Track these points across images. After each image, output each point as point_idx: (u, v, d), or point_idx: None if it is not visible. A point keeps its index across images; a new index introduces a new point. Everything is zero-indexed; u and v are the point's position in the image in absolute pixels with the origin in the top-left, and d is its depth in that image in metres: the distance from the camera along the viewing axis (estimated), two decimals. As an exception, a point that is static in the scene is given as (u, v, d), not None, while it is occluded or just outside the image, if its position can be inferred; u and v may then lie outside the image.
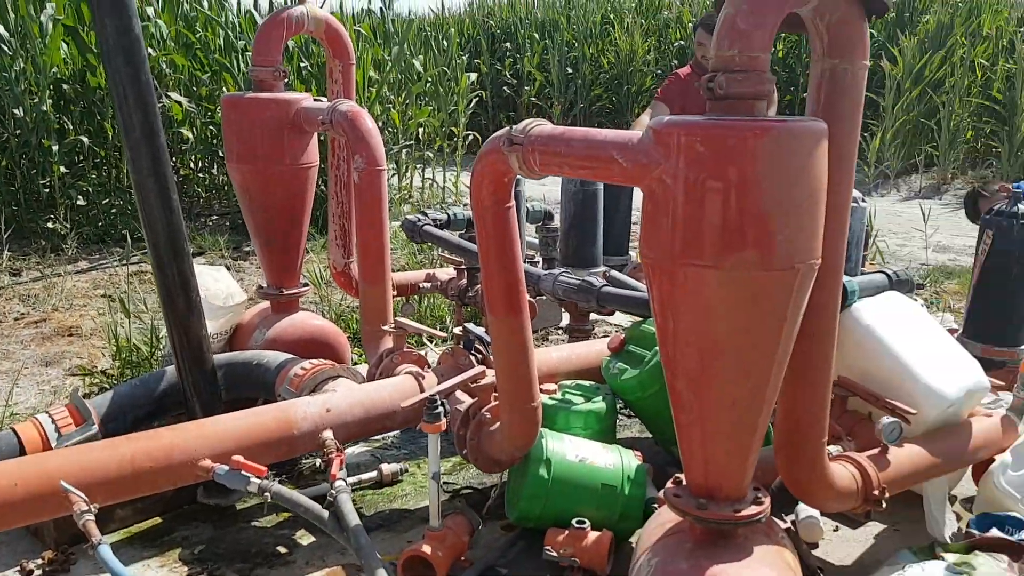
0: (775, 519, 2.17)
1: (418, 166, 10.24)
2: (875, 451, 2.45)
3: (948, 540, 2.69)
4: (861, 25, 1.88)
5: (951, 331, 3.41)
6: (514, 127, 2.13)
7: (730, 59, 1.69)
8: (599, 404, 3.05)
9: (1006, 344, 3.12)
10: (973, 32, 12.39)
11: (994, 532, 2.48)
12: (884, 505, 2.35)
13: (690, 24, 14.32)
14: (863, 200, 3.10)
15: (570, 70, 14.80)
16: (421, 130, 10.20)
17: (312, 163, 3.62)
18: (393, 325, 3.26)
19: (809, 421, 2.17)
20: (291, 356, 3.24)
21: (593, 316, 3.96)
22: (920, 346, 2.65)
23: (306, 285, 3.93)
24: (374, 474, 3.23)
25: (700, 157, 1.70)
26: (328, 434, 2.67)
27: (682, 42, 14.43)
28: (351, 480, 3.04)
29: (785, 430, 2.22)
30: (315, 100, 3.55)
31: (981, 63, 11.85)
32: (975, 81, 11.70)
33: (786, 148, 1.70)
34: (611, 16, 15.63)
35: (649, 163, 1.78)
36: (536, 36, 15.54)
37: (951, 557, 2.47)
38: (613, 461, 2.76)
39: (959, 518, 2.94)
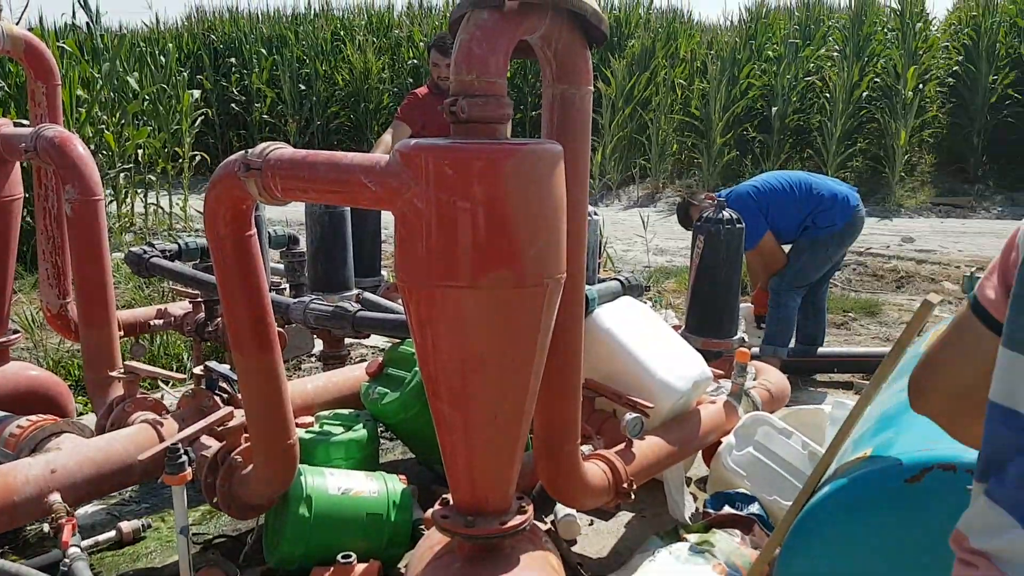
0: (537, 523, 2.24)
1: (139, 191, 9.46)
2: (621, 446, 2.62)
3: (689, 521, 2.95)
4: (584, 53, 2.01)
5: (675, 327, 3.76)
6: (250, 151, 2.02)
7: (469, 84, 1.73)
8: (360, 432, 2.98)
9: (722, 336, 3.48)
10: (672, 55, 13.84)
11: (727, 509, 2.76)
12: (633, 496, 2.52)
13: (422, 43, 14.60)
14: (596, 213, 3.32)
15: (303, 87, 14.47)
16: (140, 152, 9.44)
17: (15, 195, 3.21)
18: (122, 370, 2.97)
19: (564, 426, 2.28)
20: (5, 414, 2.84)
21: (348, 340, 3.88)
22: (652, 345, 2.89)
23: (16, 332, 3.47)
24: (112, 534, 2.92)
25: (450, 180, 1.72)
26: (55, 497, 2.37)
27: (415, 61, 14.66)
28: (86, 543, 2.72)
29: (543, 437, 2.30)
30: (16, 125, 3.15)
31: (680, 83, 13.26)
32: (676, 99, 13.06)
33: (530, 169, 1.76)
34: (341, 33, 15.51)
35: (399, 186, 1.77)
36: (264, 51, 15.02)
37: (693, 537, 2.71)
38: (377, 488, 2.71)
39: (696, 499, 3.24)
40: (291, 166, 1.97)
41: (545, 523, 3.00)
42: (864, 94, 11.99)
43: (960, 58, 12.37)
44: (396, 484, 2.77)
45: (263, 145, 2.02)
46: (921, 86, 11.94)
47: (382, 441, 3.56)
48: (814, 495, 1.70)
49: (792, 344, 5.00)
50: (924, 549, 1.53)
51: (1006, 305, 1.12)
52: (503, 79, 1.78)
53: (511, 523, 2.01)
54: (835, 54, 12.82)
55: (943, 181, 11.96)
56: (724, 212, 3.50)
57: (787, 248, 5.01)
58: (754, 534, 2.59)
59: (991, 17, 12.18)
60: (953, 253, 8.58)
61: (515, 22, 1.76)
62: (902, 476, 1.55)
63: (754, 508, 2.78)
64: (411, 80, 14.29)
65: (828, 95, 11.99)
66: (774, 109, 12.22)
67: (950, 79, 12.45)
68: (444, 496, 2.13)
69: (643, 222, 8.38)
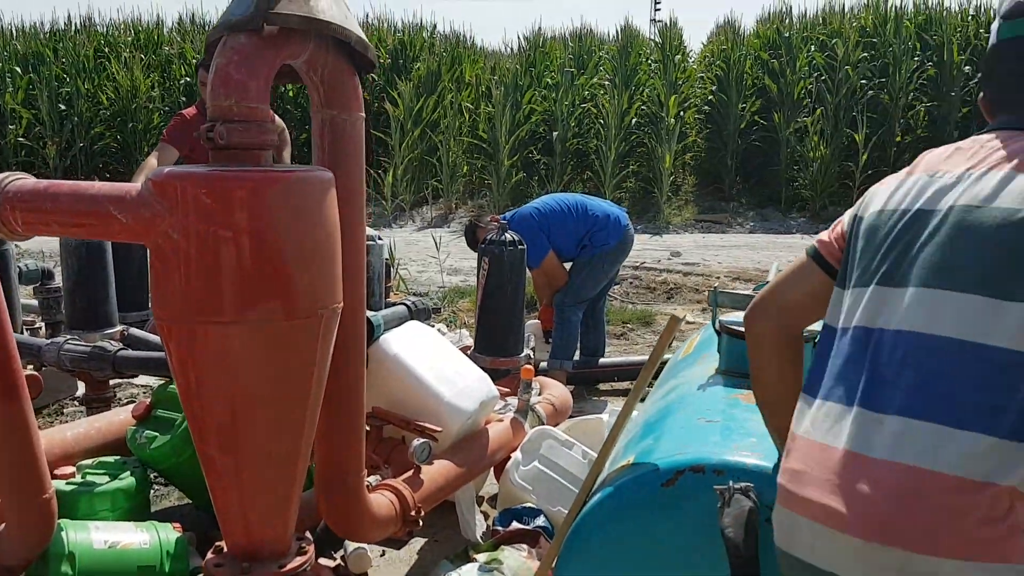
0: (321, 562, 2.18)
1: None
2: (409, 473, 2.61)
3: (480, 540, 2.99)
4: (353, 79, 1.99)
5: (466, 348, 3.82)
6: (-15, 182, 1.82)
7: (228, 109, 1.66)
8: (127, 480, 2.75)
9: (508, 355, 3.58)
10: (457, 79, 14.13)
11: (514, 525, 2.82)
12: (421, 524, 2.51)
13: (194, 60, 13.89)
14: (379, 238, 3.31)
15: (64, 107, 13.28)
16: None
17: None
18: None
19: (347, 458, 2.23)
20: None
21: (116, 380, 3.58)
22: (440, 368, 2.91)
23: None
24: None
25: (208, 210, 1.64)
26: None
27: (188, 79, 13.92)
28: None
29: (325, 472, 2.24)
30: None
31: (467, 106, 13.56)
32: (464, 122, 13.34)
33: (297, 197, 1.72)
34: (106, 49, 14.42)
35: (152, 217, 1.66)
36: (18, 70, 13.64)
37: (482, 557, 2.74)
38: (148, 539, 2.51)
39: (487, 517, 3.29)
40: (32, 198, 1.79)
41: (334, 558, 2.92)
42: (633, 120, 12.87)
43: (714, 88, 13.61)
44: (169, 533, 2.58)
45: (2, 176, 1.83)
46: (682, 113, 13.00)
47: (155, 487, 3.32)
48: (585, 504, 1.78)
49: (576, 356, 5.24)
50: (685, 546, 1.65)
51: (835, 249, 1.51)
52: (265, 104, 1.72)
53: (290, 566, 1.94)
54: (606, 83, 13.66)
55: (704, 200, 13.07)
56: (507, 234, 3.61)
57: (568, 266, 5.25)
58: (540, 547, 2.67)
59: (739, 50, 13.52)
60: (714, 265, 9.38)
61: (275, 47, 1.71)
62: (659, 481, 1.66)
63: (540, 521, 2.86)
64: (184, 99, 13.56)
65: (602, 121, 12.74)
66: (555, 133, 12.81)
67: (706, 107, 13.66)
68: (218, 543, 2.01)
69: (436, 243, 8.46)
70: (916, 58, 12.74)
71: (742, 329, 2.13)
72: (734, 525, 1.49)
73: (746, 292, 2.25)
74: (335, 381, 2.07)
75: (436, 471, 2.69)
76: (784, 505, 1.39)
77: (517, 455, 3.07)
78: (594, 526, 1.74)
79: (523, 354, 3.64)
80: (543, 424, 3.31)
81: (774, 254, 10.21)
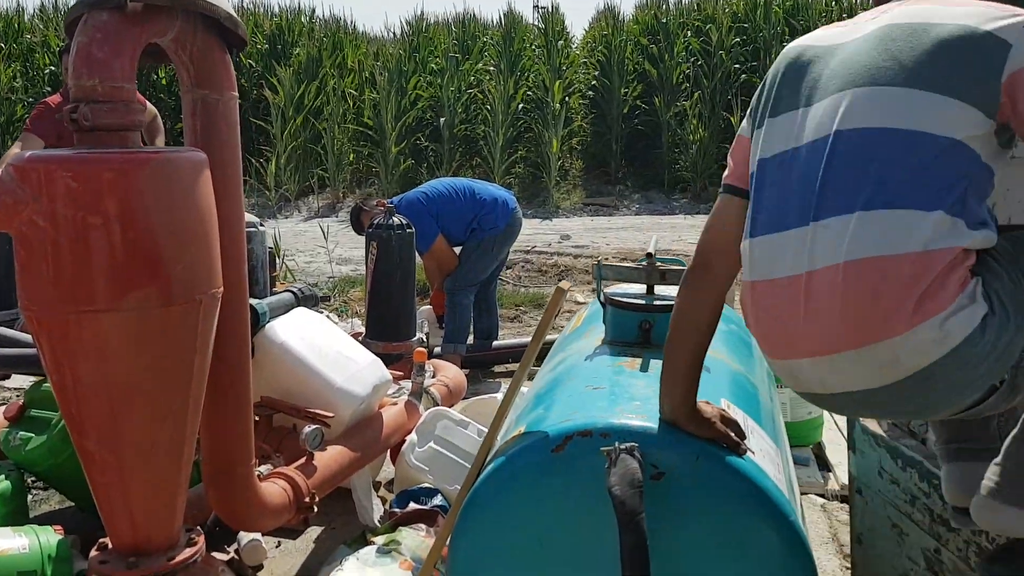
0: (214, 554, 2.13)
1: None
2: (301, 460, 2.58)
3: (378, 524, 2.98)
4: (224, 57, 1.94)
5: (357, 334, 3.78)
6: None
7: (92, 89, 1.60)
8: (2, 485, 2.62)
9: (401, 339, 3.57)
10: (339, 64, 13.86)
11: (412, 506, 2.83)
12: (315, 510, 2.49)
13: (58, 47, 13.09)
14: (261, 224, 3.23)
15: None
16: None
17: None
18: None
19: (235, 448, 2.18)
20: None
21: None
22: (329, 354, 2.88)
23: None
24: None
25: (75, 194, 1.57)
26: None
27: (52, 67, 13.13)
28: None
29: (212, 462, 2.19)
30: None
31: (351, 93, 13.33)
32: (348, 109, 13.11)
33: (168, 179, 1.67)
34: (-39, 38, 13.45)
35: (15, 204, 1.58)
36: None
37: (380, 539, 2.74)
38: (27, 543, 2.39)
39: (385, 501, 3.29)
40: None
41: (228, 552, 2.86)
42: (520, 106, 12.96)
43: (596, 73, 13.86)
44: (50, 536, 2.46)
45: None
46: (567, 99, 13.19)
47: (33, 492, 3.16)
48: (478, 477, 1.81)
49: (470, 340, 5.27)
50: (577, 510, 1.69)
51: (735, 167, 1.64)
52: (131, 84, 1.66)
53: (179, 558, 1.89)
54: (492, 68, 13.70)
55: (591, 184, 13.33)
56: (394, 218, 3.59)
57: (458, 250, 5.27)
58: (438, 526, 2.68)
59: (619, 36, 13.81)
60: (603, 247, 9.59)
61: (139, 24, 1.65)
62: (548, 447, 1.70)
63: (437, 500, 2.88)
64: (48, 89, 12.79)
65: (489, 107, 12.78)
66: (442, 120, 12.76)
67: (590, 92, 13.90)
68: (102, 540, 1.94)
69: (323, 232, 8.31)
70: (785, 42, 13.35)
71: (626, 300, 2.22)
72: (620, 483, 1.55)
73: (630, 264, 2.32)
74: (219, 369, 2.02)
75: (330, 457, 2.67)
76: (774, 358, 1.51)
77: (412, 437, 3.08)
78: (487, 497, 1.76)
79: (416, 338, 3.64)
80: (438, 405, 3.33)
81: (660, 235, 10.52)
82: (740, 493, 1.64)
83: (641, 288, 2.30)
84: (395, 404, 3.15)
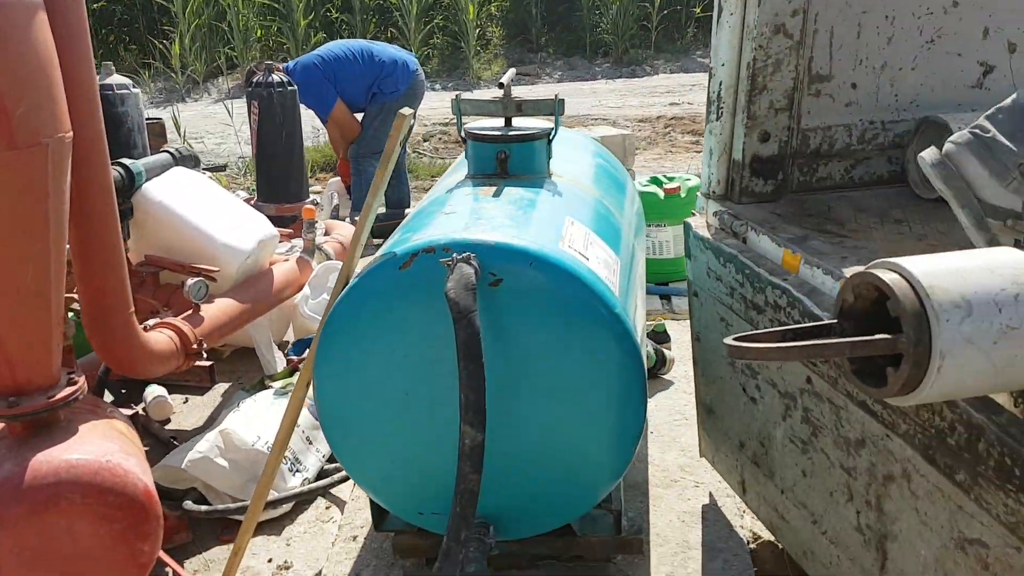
0: (120, 410, 2.23)
1: None
2: (188, 312, 2.65)
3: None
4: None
5: (249, 199, 3.79)
6: None
7: None
8: None
9: (292, 200, 3.59)
10: (242, -65, 13.07)
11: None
12: (204, 355, 2.58)
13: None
14: (135, 87, 3.16)
15: None
16: None
17: None
18: None
19: (111, 297, 2.23)
20: None
21: None
22: (211, 212, 2.90)
23: None
24: None
25: None
26: None
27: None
28: None
29: (91, 313, 2.24)
30: None
31: (255, -35, 12.64)
32: (253, -17, 12.47)
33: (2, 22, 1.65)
34: None
35: None
36: None
37: (277, 384, 2.87)
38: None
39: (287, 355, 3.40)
40: None
41: (133, 408, 2.96)
42: (434, -29, 12.50)
43: (513, -66, 13.35)
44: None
45: None
46: (484, -38, 12.75)
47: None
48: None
49: (383, 210, 5.30)
50: (426, 324, 1.81)
51: None
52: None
53: (60, 395, 1.97)
54: (403, -69, 13.08)
55: (513, 52, 13.08)
56: (274, 76, 3.54)
57: (360, 117, 5.22)
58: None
59: None
60: (522, 113, 9.54)
61: None
62: (396, 265, 1.80)
63: (331, 345, 3.00)
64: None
65: (402, -27, 12.30)
66: (352, -12, 12.27)
67: (508, -46, 13.43)
68: (-20, 385, 2.00)
69: (228, 111, 8.09)
70: None
71: (482, 132, 2.28)
72: (455, 287, 1.66)
73: (488, 98, 2.37)
74: (86, 221, 2.06)
75: (217, 309, 2.75)
76: None
77: (306, 290, 3.16)
78: (342, 319, 1.87)
79: (309, 199, 3.66)
80: (331, 259, 3.40)
81: (580, 100, 10.49)
82: (570, 290, 1.77)
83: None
84: (287, 261, 3.21)
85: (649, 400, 3.05)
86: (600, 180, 2.56)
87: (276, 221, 3.53)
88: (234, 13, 11.81)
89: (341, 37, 12.15)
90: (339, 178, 5.50)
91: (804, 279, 1.78)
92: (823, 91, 2.13)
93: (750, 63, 2.01)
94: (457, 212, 2.02)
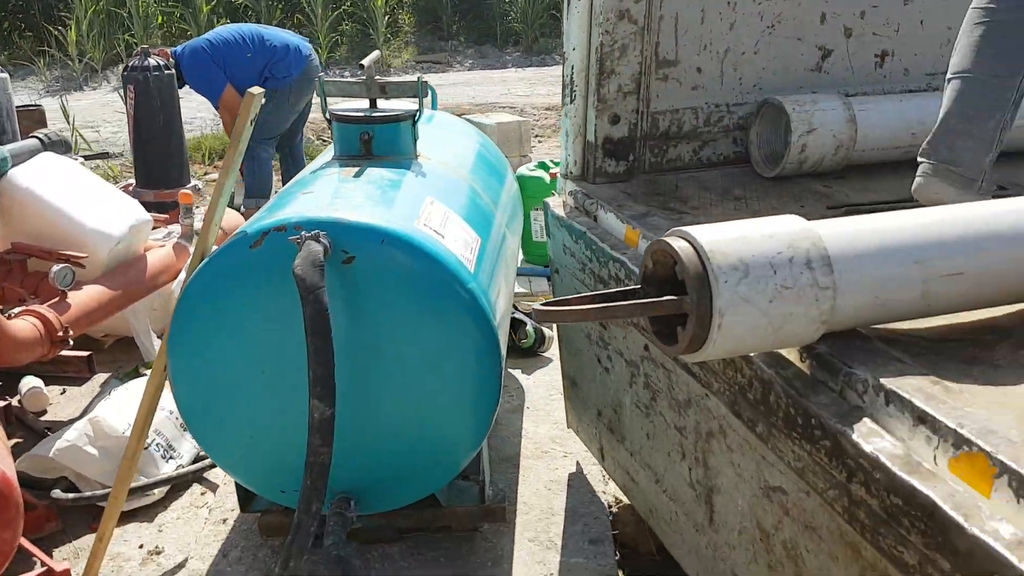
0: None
1: None
2: (55, 299, 2.60)
3: (155, 359, 3.06)
4: None
5: (128, 186, 3.72)
6: None
7: None
8: None
9: (172, 186, 3.54)
10: (140, -83, 12.63)
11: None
12: (71, 343, 2.54)
13: None
14: (2, 71, 3.07)
15: None
16: None
17: None
18: None
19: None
20: None
21: None
22: (80, 198, 2.85)
23: None
24: None
25: None
26: None
27: None
28: None
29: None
30: None
31: (156, -51, 12.25)
32: (154, -34, 12.08)
33: None
34: None
35: None
36: None
37: (146, 370, 2.84)
38: None
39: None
40: None
41: (6, 399, 2.89)
42: (342, -43, 12.33)
43: (422, -79, 13.26)
44: None
45: None
46: (393, -52, 12.64)
47: None
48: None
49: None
50: (279, 299, 1.82)
51: None
52: None
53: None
54: (309, -84, 12.85)
55: (424, 40, 13.02)
56: (149, 59, 3.48)
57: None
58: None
59: None
60: (430, 101, 9.52)
61: None
62: (247, 244, 1.82)
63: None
64: None
65: (298, -41, 12.10)
66: (257, -26, 12.00)
67: (418, -59, 13.34)
68: None
69: (122, 98, 7.84)
70: None
71: (346, 113, 2.30)
72: (302, 264, 1.70)
73: (351, 79, 2.40)
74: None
75: (87, 296, 2.70)
76: None
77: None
78: (194, 300, 1.88)
79: (191, 184, 3.61)
80: (213, 246, 3.36)
81: (489, 88, 10.54)
82: (422, 266, 1.82)
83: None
84: (163, 247, 3.17)
85: (528, 376, 3.16)
86: (471, 163, 2.62)
87: (156, 207, 3.49)
88: (135, 1, 11.43)
89: (246, 23, 11.91)
90: (234, 166, 5.42)
91: (641, 253, 1.88)
92: (670, 75, 2.23)
93: (598, 48, 2.09)
94: (315, 192, 2.05)
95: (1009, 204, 1.33)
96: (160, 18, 11.97)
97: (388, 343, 1.87)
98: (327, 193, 2.03)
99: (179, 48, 4.93)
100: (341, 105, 2.44)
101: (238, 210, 5.01)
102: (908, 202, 1.94)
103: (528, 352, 3.24)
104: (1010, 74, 1.72)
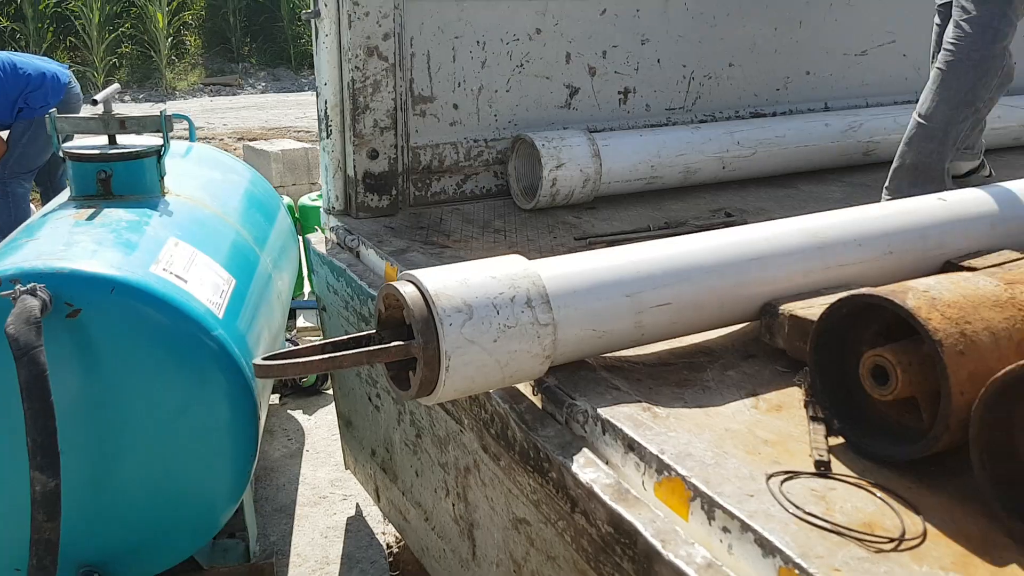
0: None
1: None
2: None
3: None
4: None
5: None
6: None
7: None
8: None
9: None
10: None
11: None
12: None
13: None
14: None
15: None
16: None
17: None
18: None
19: None
20: None
21: None
22: None
23: None
24: None
25: None
26: None
27: None
28: None
29: None
30: None
31: None
32: None
33: None
34: None
35: None
36: None
37: None
38: None
39: None
40: None
41: None
42: (118, -23, 11.62)
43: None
44: None
45: None
46: (174, -32, 12.05)
47: None
48: None
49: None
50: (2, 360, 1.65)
51: None
52: None
53: None
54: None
55: (213, 62, 12.50)
56: None
57: (5, 135, 4.70)
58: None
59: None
60: (219, 127, 9.15)
61: None
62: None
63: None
64: None
65: (80, -22, 11.29)
66: (19, -7, 11.04)
67: (201, -38, 12.81)
68: None
69: None
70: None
71: (79, 152, 2.14)
72: (15, 322, 1.54)
73: (86, 115, 2.23)
74: None
75: None
76: None
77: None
78: None
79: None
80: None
81: (284, 112, 10.26)
82: (159, 315, 1.71)
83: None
84: None
85: (309, 417, 3.06)
86: (231, 199, 2.51)
87: None
88: None
89: (13, 49, 10.89)
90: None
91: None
92: (427, 111, 2.25)
93: (350, 83, 2.07)
94: (42, 239, 1.88)
95: (710, 239, 1.44)
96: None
97: (129, 398, 1.74)
98: (55, 240, 1.86)
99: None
100: (78, 141, 2.26)
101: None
102: (645, 231, 2.07)
103: (311, 390, 3.14)
104: (960, 119, 1.93)
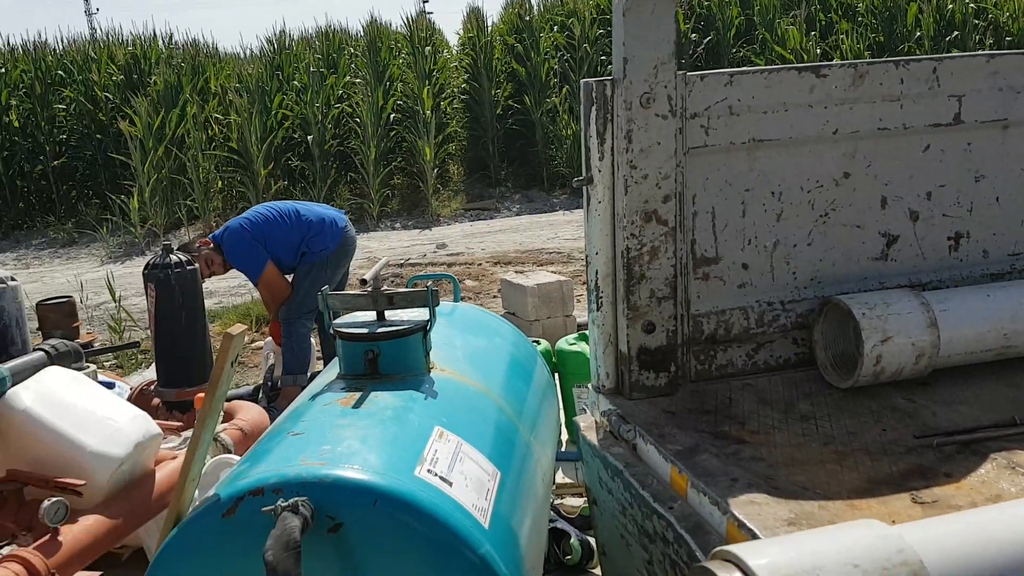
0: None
1: None
2: (45, 538, 2.36)
3: None
4: None
5: (151, 383, 3.55)
6: None
7: None
8: None
9: (193, 384, 3.36)
10: (202, 89, 13.39)
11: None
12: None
13: None
14: (13, 279, 2.98)
15: None
16: None
17: None
18: None
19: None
20: None
21: None
22: (81, 415, 2.65)
23: None
24: None
25: None
26: None
27: None
28: None
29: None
30: None
31: (217, 117, 12.88)
32: (215, 134, 12.66)
33: None
34: None
35: None
36: None
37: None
38: None
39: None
40: None
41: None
42: (391, 116, 12.76)
43: (467, 76, 13.77)
44: None
45: None
46: (440, 104, 13.05)
47: None
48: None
49: (320, 367, 5.07)
50: (258, 570, 1.55)
51: None
52: None
53: None
54: (359, 80, 13.45)
55: (472, 188, 13.23)
56: (171, 256, 3.38)
57: (290, 278, 5.07)
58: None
59: (485, 37, 13.75)
60: (477, 252, 9.50)
61: None
62: (219, 512, 1.55)
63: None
64: None
65: (359, 120, 12.54)
66: (310, 137, 12.45)
67: (463, 96, 13.80)
68: None
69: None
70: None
71: (352, 331, 2.08)
72: (274, 547, 1.41)
73: (356, 292, 2.18)
74: None
75: (81, 530, 2.45)
76: None
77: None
78: (166, 570, 1.61)
79: (214, 379, 3.42)
80: (230, 452, 3.13)
81: (536, 234, 10.50)
82: (424, 530, 1.53)
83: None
84: (175, 457, 2.94)
85: (574, 600, 2.76)
86: (495, 370, 2.35)
87: (178, 406, 3.30)
88: (193, 166, 11.91)
89: (303, 185, 12.27)
90: (271, 339, 5.30)
91: (692, 507, 1.54)
92: (711, 274, 1.96)
93: (624, 252, 1.84)
94: (305, 433, 1.79)
95: None
96: (220, 183, 12.42)
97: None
98: (320, 434, 1.76)
99: (218, 232, 4.94)
100: (347, 318, 2.23)
101: (272, 390, 4.84)
102: (1011, 425, 1.59)
103: (576, 569, 2.85)
104: None
